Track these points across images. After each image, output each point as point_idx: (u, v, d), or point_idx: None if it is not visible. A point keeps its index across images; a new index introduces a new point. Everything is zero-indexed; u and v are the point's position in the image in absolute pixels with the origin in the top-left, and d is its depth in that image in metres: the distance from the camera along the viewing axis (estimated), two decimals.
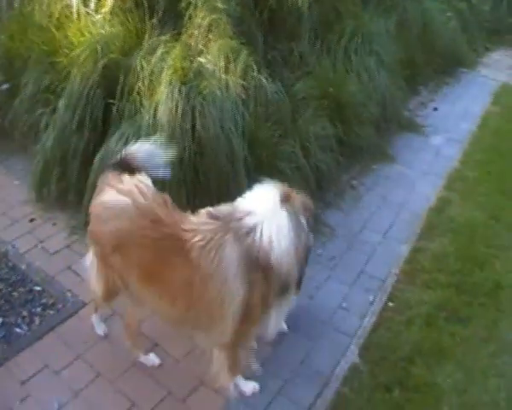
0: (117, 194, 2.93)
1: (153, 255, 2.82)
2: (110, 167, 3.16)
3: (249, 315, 2.82)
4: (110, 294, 3.23)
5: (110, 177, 3.06)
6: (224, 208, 2.93)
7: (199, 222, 2.86)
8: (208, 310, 2.81)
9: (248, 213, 2.80)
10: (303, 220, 2.91)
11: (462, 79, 7.29)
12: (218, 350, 3.04)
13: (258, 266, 2.74)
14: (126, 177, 3.01)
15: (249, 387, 3.23)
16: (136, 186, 2.95)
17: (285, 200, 2.84)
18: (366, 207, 4.73)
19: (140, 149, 3.23)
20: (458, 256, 4.23)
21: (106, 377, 3.29)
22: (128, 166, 3.09)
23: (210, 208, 2.97)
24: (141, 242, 2.83)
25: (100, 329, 3.55)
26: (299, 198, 2.95)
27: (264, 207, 2.83)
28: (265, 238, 2.73)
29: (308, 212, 2.97)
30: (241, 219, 2.79)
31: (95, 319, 3.54)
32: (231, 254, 2.73)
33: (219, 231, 2.77)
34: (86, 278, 3.34)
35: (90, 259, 3.22)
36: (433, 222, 4.60)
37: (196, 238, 2.75)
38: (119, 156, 3.21)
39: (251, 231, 2.75)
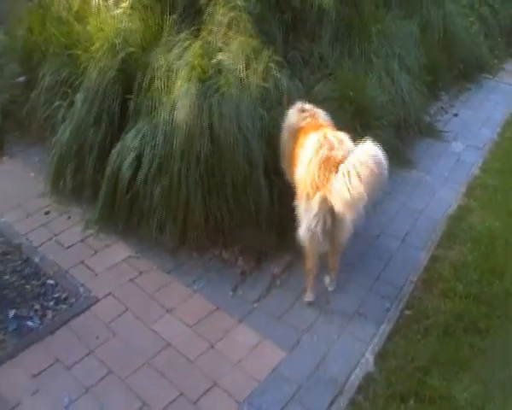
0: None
1: None
2: None
3: None
4: None
5: None
6: None
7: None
8: None
9: None
10: None
11: (484, 85, 7.20)
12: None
13: None
14: None
15: None
16: None
17: None
18: (385, 212, 4.65)
19: None
20: (477, 266, 4.14)
21: (117, 374, 3.25)
22: None
23: None
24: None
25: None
26: None
27: None
28: None
29: None
30: None
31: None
32: None
33: None
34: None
35: None
36: (452, 230, 4.51)
37: None
38: None
39: None
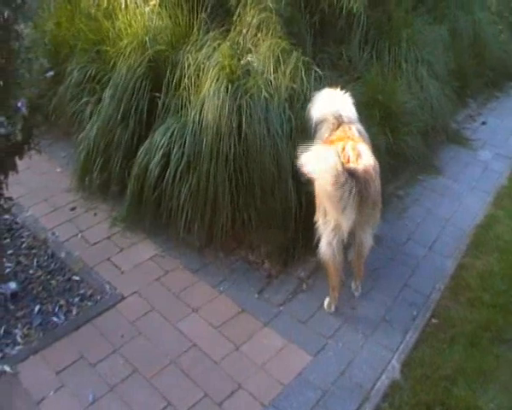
0: None
1: None
2: None
3: None
4: None
5: None
6: None
7: None
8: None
9: None
10: None
11: None
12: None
13: None
14: None
15: None
16: None
17: None
18: (411, 219, 4.63)
19: None
20: (504, 276, 4.09)
21: (142, 373, 3.24)
22: None
23: None
24: None
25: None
26: None
27: None
28: None
29: None
30: None
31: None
32: None
33: None
34: None
35: None
36: (479, 239, 4.46)
37: None
38: None
39: None
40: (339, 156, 3.24)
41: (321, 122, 3.84)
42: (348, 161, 3.38)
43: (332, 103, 3.86)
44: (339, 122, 3.75)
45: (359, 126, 3.79)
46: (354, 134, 3.67)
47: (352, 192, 3.18)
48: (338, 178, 3.15)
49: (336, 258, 3.49)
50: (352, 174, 3.23)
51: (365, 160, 3.42)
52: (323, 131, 3.80)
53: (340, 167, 3.17)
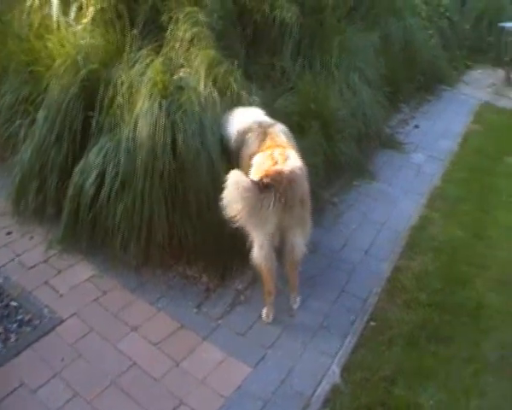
0: None
1: None
2: None
3: None
4: None
5: None
6: None
7: None
8: None
9: None
10: None
11: (443, 96, 7.35)
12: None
13: None
14: None
15: None
16: None
17: None
18: (347, 225, 4.71)
19: None
20: (439, 275, 4.21)
21: (83, 396, 3.21)
22: None
23: None
24: None
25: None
26: None
27: None
28: None
29: None
30: None
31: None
32: None
33: None
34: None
35: None
36: (414, 240, 4.58)
37: None
38: None
39: None
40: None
41: (245, 133, 3.90)
42: (276, 164, 3.46)
43: (249, 115, 3.99)
44: (264, 129, 3.83)
45: (282, 126, 3.91)
46: (283, 141, 3.75)
47: (272, 202, 3.33)
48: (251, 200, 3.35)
49: (269, 261, 3.53)
50: (269, 184, 3.36)
51: (292, 161, 3.51)
52: (252, 142, 3.85)
53: (250, 185, 3.36)
